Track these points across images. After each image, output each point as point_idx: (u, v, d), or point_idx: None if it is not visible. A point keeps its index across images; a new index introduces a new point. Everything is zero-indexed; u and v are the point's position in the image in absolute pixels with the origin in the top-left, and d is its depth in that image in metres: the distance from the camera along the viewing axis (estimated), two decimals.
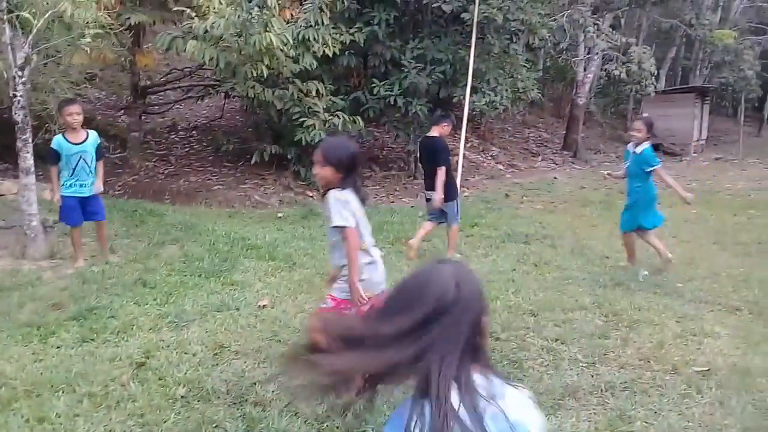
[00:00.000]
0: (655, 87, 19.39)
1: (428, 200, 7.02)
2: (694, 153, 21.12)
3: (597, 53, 18.95)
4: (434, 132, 6.93)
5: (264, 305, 5.11)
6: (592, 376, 3.96)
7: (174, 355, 4.06)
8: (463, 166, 10.11)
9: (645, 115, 11.24)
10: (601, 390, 3.78)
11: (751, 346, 4.57)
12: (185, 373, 3.80)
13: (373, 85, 11.56)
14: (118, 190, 10.30)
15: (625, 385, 3.85)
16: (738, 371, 4.09)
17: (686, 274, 6.51)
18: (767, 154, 23.12)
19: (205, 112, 15.16)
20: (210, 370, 3.88)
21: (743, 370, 4.11)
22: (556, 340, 4.56)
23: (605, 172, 8.21)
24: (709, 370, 4.10)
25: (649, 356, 4.29)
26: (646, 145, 6.34)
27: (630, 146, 6.59)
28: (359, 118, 10.89)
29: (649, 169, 6.27)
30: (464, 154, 12.32)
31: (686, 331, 4.82)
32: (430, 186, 6.88)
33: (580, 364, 4.15)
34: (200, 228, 7.78)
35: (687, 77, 29.61)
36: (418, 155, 7.90)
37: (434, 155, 6.82)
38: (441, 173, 6.72)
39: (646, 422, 3.45)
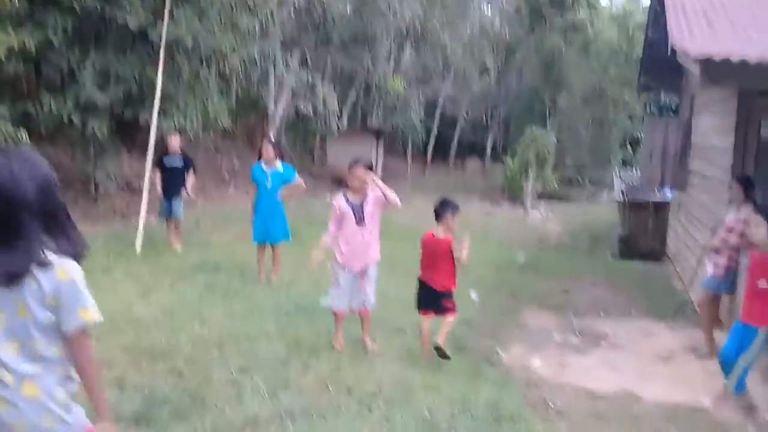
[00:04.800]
0: (339, 125, 20.97)
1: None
2: None
3: (286, 88, 19.80)
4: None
5: None
6: (274, 405, 4.02)
7: None
8: (150, 192, 9.59)
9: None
10: (282, 417, 3.86)
11: (413, 364, 5.12)
12: None
13: (44, 100, 10.34)
14: None
15: (304, 410, 3.99)
16: (402, 387, 4.53)
17: None
18: (430, 191, 26.51)
19: None
20: None
21: (406, 386, 4.57)
22: (241, 370, 4.55)
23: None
24: (378, 389, 4.47)
25: (327, 380, 4.53)
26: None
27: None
28: (24, 130, 9.56)
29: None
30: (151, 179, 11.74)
31: (360, 353, 5.22)
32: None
33: (263, 394, 4.19)
34: None
35: (366, 118, 32.58)
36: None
37: None
38: None
39: None
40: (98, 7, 10.64)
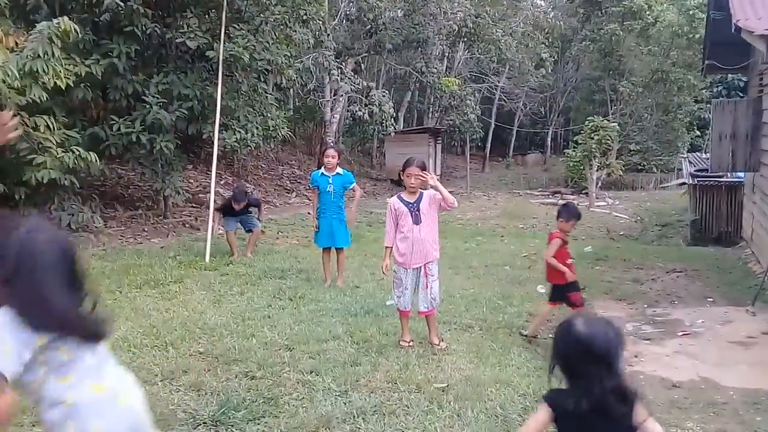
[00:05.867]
0: (395, 127, 21.09)
1: None
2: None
3: (342, 95, 20.04)
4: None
5: None
6: (345, 404, 4.09)
7: None
8: (216, 203, 9.91)
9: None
10: (354, 416, 3.92)
11: (482, 360, 5.10)
12: None
13: (113, 121, 10.83)
14: None
15: (375, 409, 4.04)
16: (472, 383, 4.52)
17: None
18: (490, 187, 26.35)
19: None
20: None
21: (476, 382, 4.56)
22: (311, 371, 4.64)
23: None
24: (447, 385, 4.48)
25: (396, 378, 4.56)
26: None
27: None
28: (94, 154, 10.03)
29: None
30: (218, 191, 12.11)
31: (428, 351, 5.23)
32: None
33: (334, 393, 4.27)
34: None
35: (422, 119, 32.64)
36: None
37: None
38: None
39: None
40: (158, 31, 11.07)
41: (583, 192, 23.07)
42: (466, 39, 25.53)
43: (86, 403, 2.01)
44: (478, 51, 27.69)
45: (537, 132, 38.97)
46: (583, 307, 5.88)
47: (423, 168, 5.37)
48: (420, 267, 5.37)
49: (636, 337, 6.18)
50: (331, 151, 7.89)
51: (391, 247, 5.42)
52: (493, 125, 34.65)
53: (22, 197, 10.05)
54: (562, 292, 5.87)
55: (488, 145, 34.98)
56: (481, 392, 4.37)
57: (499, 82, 31.79)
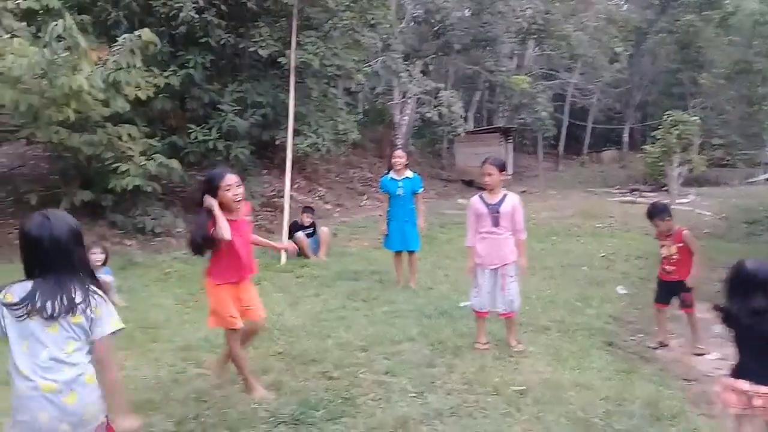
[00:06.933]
0: (465, 128, 20.93)
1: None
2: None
3: (410, 97, 20.06)
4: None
5: None
6: (422, 405, 4.07)
7: None
8: (290, 207, 10.10)
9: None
10: (430, 418, 3.90)
11: (561, 363, 4.98)
12: None
13: (191, 130, 11.24)
14: None
15: (452, 410, 4.00)
16: (551, 386, 4.42)
17: None
18: (564, 186, 25.76)
19: (4, 160, 13.76)
20: None
21: (555, 385, 4.45)
22: (387, 372, 4.65)
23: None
24: (525, 388, 4.39)
25: (473, 380, 4.51)
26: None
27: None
28: (176, 161, 10.45)
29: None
30: (291, 195, 12.33)
31: (504, 353, 5.15)
32: None
33: (410, 395, 4.26)
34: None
35: (492, 118, 32.26)
36: None
37: None
38: None
39: None
40: (232, 41, 11.41)
41: (663, 189, 22.23)
42: (535, 36, 25.08)
43: None
44: (548, 48, 27.16)
45: (612, 128, 37.80)
46: (693, 309, 5.63)
47: (502, 167, 5.32)
48: (497, 268, 5.30)
49: (724, 339, 5.89)
50: (399, 152, 7.96)
51: (473, 247, 5.38)
52: (566, 122, 33.86)
53: (109, 204, 10.57)
54: (675, 291, 5.64)
55: (561, 143, 34.23)
56: (561, 395, 4.27)
57: (571, 78, 31.04)
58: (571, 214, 15.99)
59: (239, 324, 4.15)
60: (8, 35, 8.42)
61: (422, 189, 7.89)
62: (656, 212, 5.76)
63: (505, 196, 5.29)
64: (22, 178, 12.37)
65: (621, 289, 7.61)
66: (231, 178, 4.10)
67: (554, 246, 11.15)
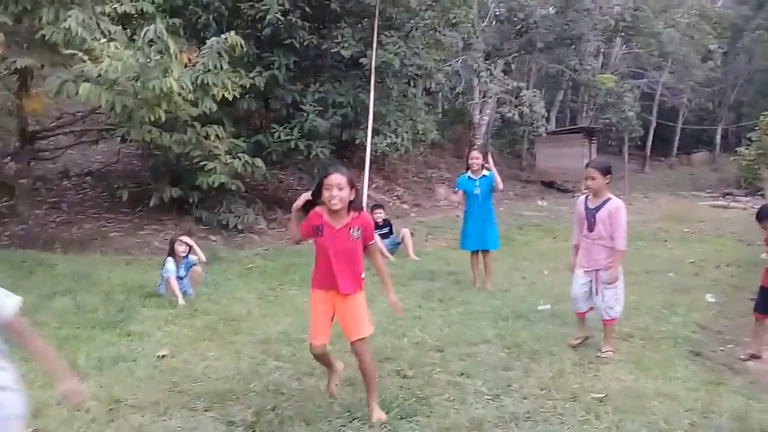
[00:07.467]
0: (546, 128, 20.50)
1: None
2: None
3: (491, 97, 19.83)
4: None
5: (163, 355, 4.90)
6: (497, 408, 4.02)
7: (65, 413, 3.80)
8: (368, 207, 10.20)
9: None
10: (506, 421, 3.84)
11: (644, 371, 4.79)
12: (78, 431, 3.56)
13: (274, 129, 11.55)
14: (5, 240, 9.66)
15: (528, 415, 3.93)
16: (632, 395, 4.27)
17: None
18: (651, 189, 24.81)
19: (100, 157, 14.57)
20: (104, 427, 3.65)
21: (637, 393, 4.30)
22: (462, 374, 4.61)
23: None
24: (605, 395, 4.26)
25: (550, 385, 4.42)
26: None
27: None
28: (260, 160, 10.77)
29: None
30: (369, 195, 12.45)
31: (583, 358, 5.01)
32: None
33: (485, 397, 4.21)
34: (95, 277, 7.41)
35: (575, 118, 31.49)
36: None
37: None
38: None
39: None
40: (315, 42, 11.63)
41: (759, 193, 21.07)
42: (623, 33, 24.26)
43: None
44: (636, 45, 26.22)
45: (704, 129, 36.12)
46: None
47: (607, 171, 5.16)
48: (590, 271, 5.21)
49: None
50: (475, 153, 7.91)
51: (577, 246, 5.36)
52: (654, 123, 32.62)
53: (195, 201, 10.99)
54: None
55: (648, 144, 33.00)
56: (643, 405, 4.11)
57: (660, 77, 29.87)
58: (658, 218, 15.40)
59: (312, 341, 3.92)
60: (105, 39, 8.88)
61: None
62: (766, 215, 5.46)
63: (606, 201, 5.15)
64: (116, 174, 13.06)
65: (710, 297, 7.26)
66: (332, 178, 3.75)
67: (639, 251, 10.75)
